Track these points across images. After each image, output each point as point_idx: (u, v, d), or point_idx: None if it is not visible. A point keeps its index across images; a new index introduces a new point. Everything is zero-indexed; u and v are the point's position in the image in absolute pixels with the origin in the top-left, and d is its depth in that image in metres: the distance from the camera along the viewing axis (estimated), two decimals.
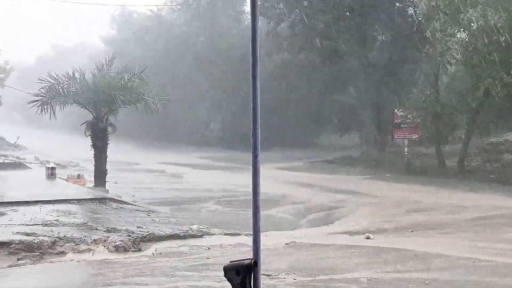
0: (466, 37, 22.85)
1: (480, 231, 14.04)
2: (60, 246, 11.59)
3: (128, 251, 11.82)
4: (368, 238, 13.31)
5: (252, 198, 2.70)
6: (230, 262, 2.64)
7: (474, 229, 14.26)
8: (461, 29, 23.02)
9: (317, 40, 33.34)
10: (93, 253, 11.53)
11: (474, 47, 22.23)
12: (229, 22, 49.26)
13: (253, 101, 2.70)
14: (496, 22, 20.65)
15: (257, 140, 2.69)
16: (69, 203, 16.77)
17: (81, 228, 13.19)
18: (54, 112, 21.68)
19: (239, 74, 41.17)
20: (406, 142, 30.12)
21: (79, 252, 11.51)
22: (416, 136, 29.33)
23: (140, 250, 11.99)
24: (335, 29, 32.77)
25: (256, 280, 2.62)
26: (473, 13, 21.03)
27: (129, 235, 12.72)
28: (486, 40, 21.41)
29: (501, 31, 20.83)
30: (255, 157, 2.69)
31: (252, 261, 2.61)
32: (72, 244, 11.73)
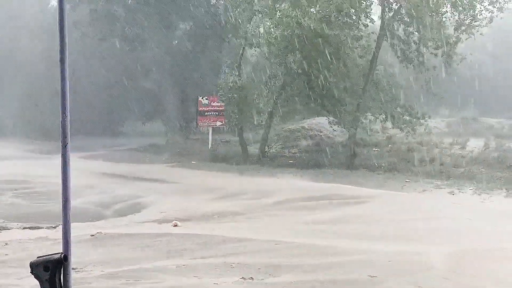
0: (270, 26, 23.69)
1: (281, 215, 14.84)
2: None
3: None
4: (176, 225, 13.35)
5: (62, 189, 2.52)
6: (38, 257, 2.43)
7: (275, 213, 15.02)
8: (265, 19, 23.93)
9: (118, 25, 32.64)
10: None
11: (276, 37, 23.12)
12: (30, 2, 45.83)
13: (62, 87, 2.51)
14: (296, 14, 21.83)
15: (66, 128, 2.51)
16: None
17: None
18: None
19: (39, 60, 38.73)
20: (210, 130, 30.76)
21: None
22: (221, 123, 30.07)
23: None
24: (139, 16, 32.37)
25: (66, 275, 2.45)
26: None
27: None
28: (287, 31, 22.45)
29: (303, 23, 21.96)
30: (64, 146, 2.51)
31: (62, 255, 2.43)
32: None
